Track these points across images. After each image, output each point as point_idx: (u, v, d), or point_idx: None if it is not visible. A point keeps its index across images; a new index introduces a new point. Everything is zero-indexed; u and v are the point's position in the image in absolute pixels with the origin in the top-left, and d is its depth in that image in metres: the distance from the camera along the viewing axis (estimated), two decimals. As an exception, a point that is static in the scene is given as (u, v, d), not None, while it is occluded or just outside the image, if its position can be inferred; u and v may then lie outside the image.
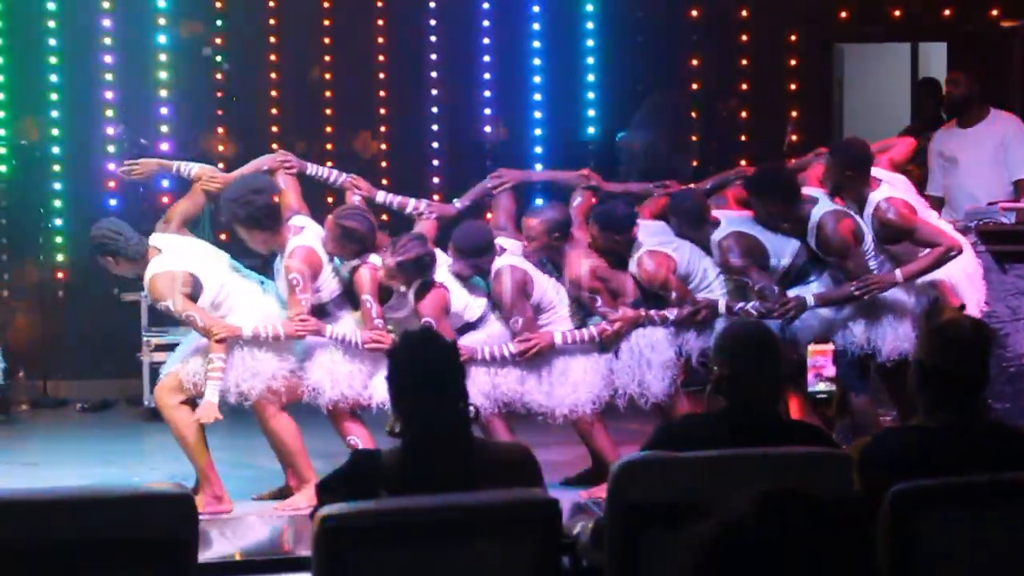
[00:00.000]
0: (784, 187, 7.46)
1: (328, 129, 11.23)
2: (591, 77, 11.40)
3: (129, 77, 10.96)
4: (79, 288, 10.85)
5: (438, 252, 7.25)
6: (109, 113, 10.86)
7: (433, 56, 11.35)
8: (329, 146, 11.16)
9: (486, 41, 11.33)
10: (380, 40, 11.31)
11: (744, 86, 11.61)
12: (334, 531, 3.64)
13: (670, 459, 4.12)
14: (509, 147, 11.10)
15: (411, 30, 11.33)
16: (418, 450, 4.01)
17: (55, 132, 10.74)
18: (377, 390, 6.98)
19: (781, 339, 6.55)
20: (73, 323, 10.79)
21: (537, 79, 11.33)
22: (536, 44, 11.33)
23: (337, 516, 3.66)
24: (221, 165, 8.22)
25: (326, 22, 11.28)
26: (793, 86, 11.60)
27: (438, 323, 6.98)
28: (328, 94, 11.29)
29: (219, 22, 11.15)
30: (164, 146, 10.36)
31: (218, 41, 11.12)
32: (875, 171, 7.44)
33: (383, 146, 11.32)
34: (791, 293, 7.33)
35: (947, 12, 11.60)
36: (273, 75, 11.26)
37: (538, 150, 11.16)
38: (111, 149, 10.75)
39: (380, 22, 11.30)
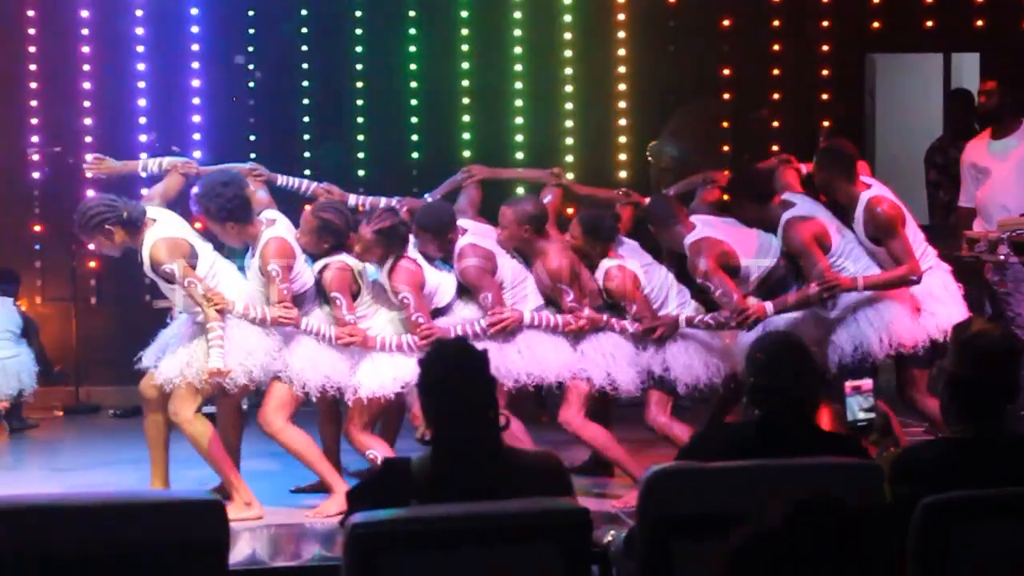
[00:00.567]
0: (757, 188, 7.59)
1: (360, 137, 11.25)
2: (622, 87, 11.40)
3: (161, 85, 11.02)
4: (112, 295, 10.91)
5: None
6: (142, 120, 10.91)
7: (465, 65, 11.35)
8: (361, 155, 11.19)
9: (517, 50, 11.31)
10: (412, 48, 11.32)
11: (776, 96, 11.59)
12: (364, 538, 3.65)
13: (701, 469, 4.13)
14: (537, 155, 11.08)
15: (442, 42, 11.35)
16: (448, 458, 4.02)
17: (88, 140, 10.78)
18: (363, 385, 7.07)
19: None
20: (106, 330, 10.85)
21: (568, 88, 11.32)
22: (568, 53, 11.32)
23: (367, 524, 3.67)
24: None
25: (358, 31, 11.29)
26: (825, 96, 11.58)
27: (414, 297, 7.03)
28: (360, 102, 11.31)
29: (251, 30, 11.19)
30: (197, 153, 10.37)
31: (250, 49, 11.17)
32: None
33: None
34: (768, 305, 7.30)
35: (980, 22, 11.58)
36: (304, 83, 11.28)
37: (569, 159, 11.13)
38: (143, 157, 10.76)
39: (412, 31, 11.31)
